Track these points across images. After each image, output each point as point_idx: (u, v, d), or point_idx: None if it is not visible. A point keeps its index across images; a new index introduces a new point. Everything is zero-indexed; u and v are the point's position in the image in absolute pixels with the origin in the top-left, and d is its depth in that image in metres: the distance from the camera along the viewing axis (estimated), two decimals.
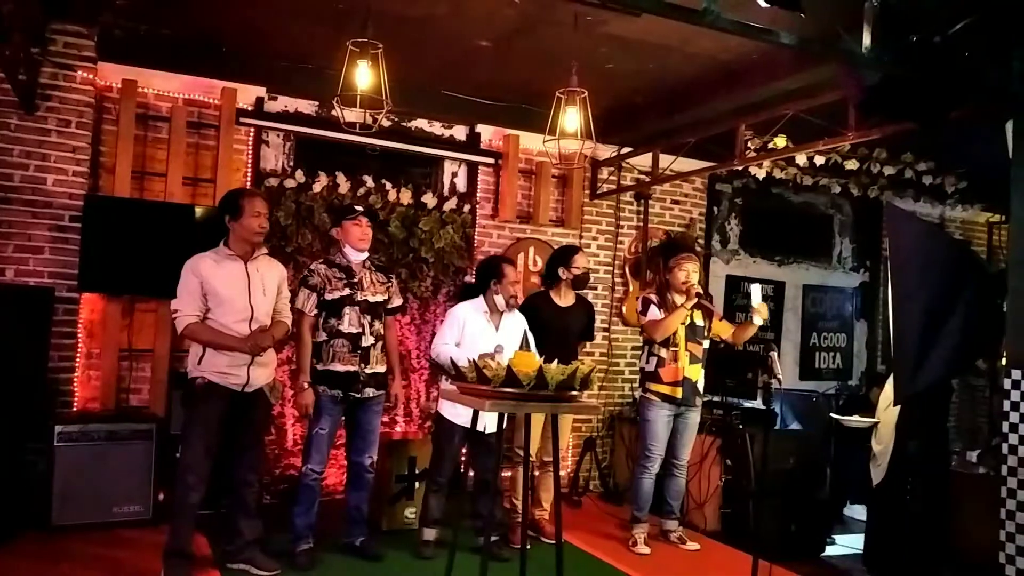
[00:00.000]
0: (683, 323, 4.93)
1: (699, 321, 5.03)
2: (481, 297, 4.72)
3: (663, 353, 4.98)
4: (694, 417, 5.09)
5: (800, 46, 3.91)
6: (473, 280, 5.14)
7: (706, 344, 5.09)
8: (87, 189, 5.06)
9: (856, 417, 4.83)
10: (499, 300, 4.65)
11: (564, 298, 5.05)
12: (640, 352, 5.35)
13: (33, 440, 4.63)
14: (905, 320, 4.30)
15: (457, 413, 4.50)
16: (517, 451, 4.85)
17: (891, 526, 4.80)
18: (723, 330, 5.15)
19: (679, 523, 5.18)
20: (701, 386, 5.07)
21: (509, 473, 5.18)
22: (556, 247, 5.74)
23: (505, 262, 4.82)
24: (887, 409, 4.76)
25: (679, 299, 4.97)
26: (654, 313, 5.02)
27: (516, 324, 4.74)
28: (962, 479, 4.84)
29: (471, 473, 4.72)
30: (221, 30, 5.23)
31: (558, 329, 4.94)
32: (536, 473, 5.11)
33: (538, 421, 4.83)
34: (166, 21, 5.14)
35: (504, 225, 6.57)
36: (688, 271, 4.98)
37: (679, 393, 4.96)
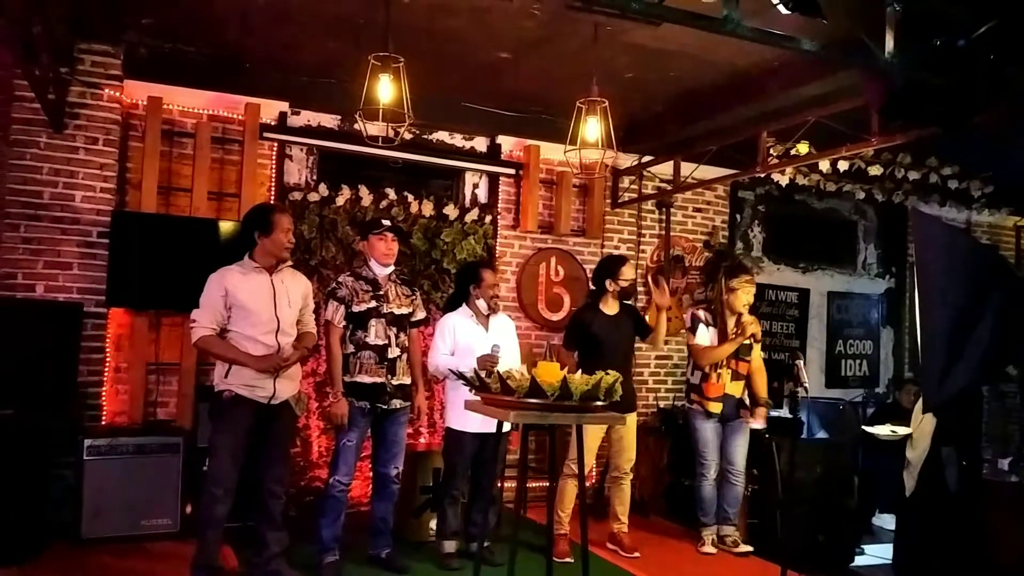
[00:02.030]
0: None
1: (744, 340, 5.07)
2: (464, 304, 4.75)
3: (706, 368, 5.08)
4: (745, 426, 5.16)
5: (822, 52, 3.90)
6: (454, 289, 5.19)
7: (751, 360, 5.15)
8: (114, 205, 5.14)
9: (888, 428, 4.79)
10: (480, 304, 4.70)
11: (611, 307, 5.04)
12: (686, 365, 5.46)
13: (63, 454, 4.69)
14: (932, 326, 4.24)
15: (467, 423, 4.51)
16: (571, 464, 4.84)
17: (923, 535, 4.73)
18: (756, 358, 5.20)
19: (735, 528, 5.20)
20: (747, 399, 5.16)
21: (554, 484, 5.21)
22: (605, 256, 5.88)
23: (483, 267, 4.86)
24: (922, 417, 4.70)
25: (731, 320, 5.03)
26: (702, 334, 5.11)
27: (506, 325, 4.85)
28: (994, 487, 4.76)
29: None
30: (244, 47, 5.29)
31: (610, 338, 4.94)
32: (609, 485, 5.25)
33: (595, 432, 4.94)
34: (190, 39, 5.22)
35: (525, 235, 6.58)
36: (751, 294, 5.05)
37: (718, 409, 5.07)
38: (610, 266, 5.08)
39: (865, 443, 5.89)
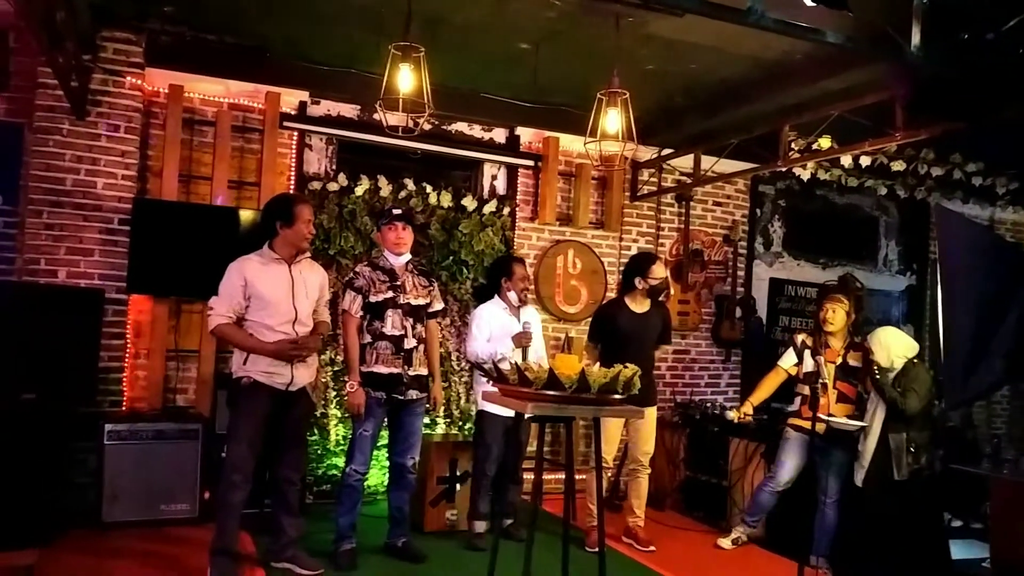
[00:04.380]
0: (834, 362, 4.80)
1: (854, 363, 4.82)
2: (496, 296, 4.89)
3: (806, 391, 4.86)
4: (841, 454, 4.79)
5: (847, 45, 3.86)
6: (485, 281, 5.35)
7: (861, 390, 4.87)
8: (135, 193, 5.16)
9: (844, 419, 4.72)
10: (512, 296, 4.84)
11: (640, 304, 5.02)
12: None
13: (84, 438, 4.74)
14: (955, 324, 4.21)
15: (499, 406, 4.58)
16: (605, 457, 4.91)
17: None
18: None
19: (827, 560, 4.85)
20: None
21: (584, 476, 5.25)
22: (636, 253, 5.89)
23: (515, 260, 5.03)
24: (876, 411, 4.66)
25: (833, 342, 4.85)
26: (787, 358, 5.04)
27: (534, 317, 4.98)
28: (1015, 488, 4.70)
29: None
30: (265, 36, 5.30)
31: (636, 335, 4.93)
32: (625, 478, 5.29)
33: (616, 426, 4.98)
34: (211, 27, 5.22)
35: (544, 227, 6.57)
36: (837, 314, 4.82)
37: (821, 429, 4.60)
38: (641, 264, 5.06)
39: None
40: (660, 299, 5.14)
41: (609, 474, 5.37)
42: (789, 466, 4.92)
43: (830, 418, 4.64)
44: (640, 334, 4.96)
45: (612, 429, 4.97)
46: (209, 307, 3.91)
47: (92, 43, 4.98)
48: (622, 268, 6.64)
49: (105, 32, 5.04)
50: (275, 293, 3.92)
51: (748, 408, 5.04)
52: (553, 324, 6.54)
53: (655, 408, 5.15)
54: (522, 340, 4.64)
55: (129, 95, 5.12)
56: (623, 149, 4.50)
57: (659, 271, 5.00)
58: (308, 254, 4.17)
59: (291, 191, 5.56)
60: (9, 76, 4.99)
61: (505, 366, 3.42)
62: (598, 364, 3.46)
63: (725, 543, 5.15)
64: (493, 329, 4.79)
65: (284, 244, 3.99)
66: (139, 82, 5.15)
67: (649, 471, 5.15)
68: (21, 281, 4.90)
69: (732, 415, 5.08)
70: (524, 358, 4.49)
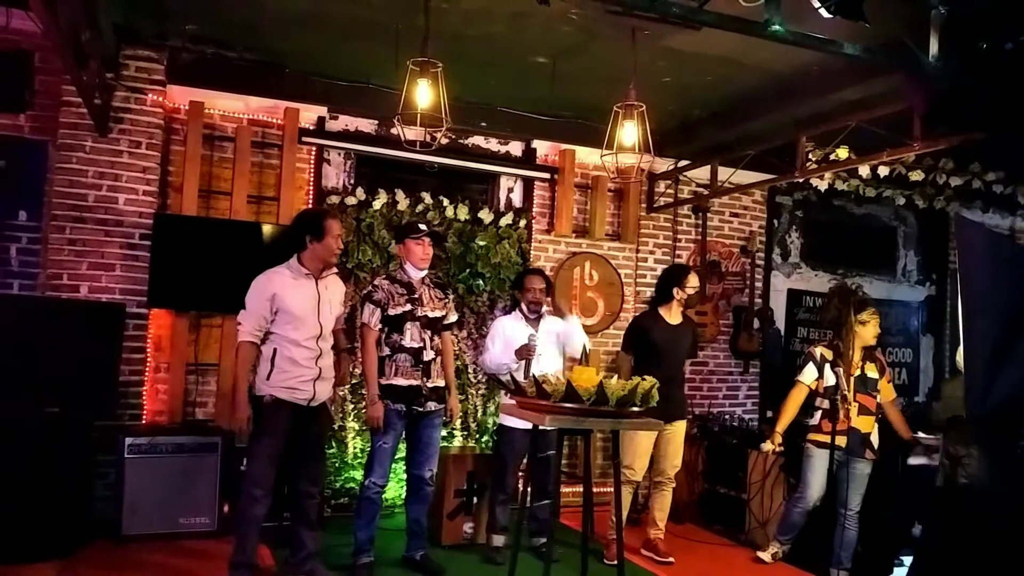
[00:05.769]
0: (853, 375, 4.81)
1: (872, 374, 4.86)
2: (516, 309, 5.03)
3: (825, 405, 4.85)
4: (862, 467, 4.85)
5: (865, 56, 3.86)
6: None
7: (879, 398, 4.91)
8: (156, 208, 5.22)
9: (930, 436, 4.70)
10: (524, 307, 4.95)
11: (674, 316, 5.04)
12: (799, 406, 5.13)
13: (105, 452, 4.78)
14: (976, 335, 4.15)
15: (515, 419, 4.59)
16: (624, 470, 4.85)
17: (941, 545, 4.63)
18: (886, 392, 4.97)
19: (848, 574, 4.89)
20: (875, 439, 4.85)
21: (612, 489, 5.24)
22: (670, 265, 5.96)
23: (529, 273, 5.13)
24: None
25: (859, 354, 4.86)
26: (808, 373, 4.97)
27: (555, 328, 5.00)
28: None
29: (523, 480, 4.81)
30: (284, 52, 5.36)
31: (670, 347, 4.95)
32: (646, 491, 5.31)
33: (648, 439, 4.92)
34: (231, 45, 5.29)
35: (560, 240, 6.57)
36: (872, 324, 4.88)
37: (842, 442, 4.73)
38: (677, 274, 5.10)
39: (904, 453, 5.78)
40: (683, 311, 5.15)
41: (631, 488, 5.29)
42: (816, 484, 4.88)
43: (918, 434, 4.63)
44: (673, 346, 4.98)
45: (644, 442, 4.91)
46: (239, 322, 3.96)
47: (115, 61, 5.05)
48: (639, 280, 6.68)
49: (128, 50, 5.11)
50: (303, 308, 3.96)
51: (778, 438, 5.01)
52: None
53: (685, 422, 5.14)
54: (522, 353, 4.70)
55: (151, 112, 5.18)
56: (640, 161, 4.52)
57: (695, 280, 5.07)
58: (335, 269, 4.20)
59: (310, 205, 5.61)
60: (34, 95, 5.07)
61: (506, 378, 3.45)
62: (616, 377, 3.45)
63: (766, 556, 5.09)
64: (508, 340, 4.86)
65: (313, 258, 4.02)
66: (160, 99, 5.21)
67: (674, 485, 5.13)
68: (44, 296, 4.96)
69: (767, 447, 5.06)
70: (527, 370, 4.53)
